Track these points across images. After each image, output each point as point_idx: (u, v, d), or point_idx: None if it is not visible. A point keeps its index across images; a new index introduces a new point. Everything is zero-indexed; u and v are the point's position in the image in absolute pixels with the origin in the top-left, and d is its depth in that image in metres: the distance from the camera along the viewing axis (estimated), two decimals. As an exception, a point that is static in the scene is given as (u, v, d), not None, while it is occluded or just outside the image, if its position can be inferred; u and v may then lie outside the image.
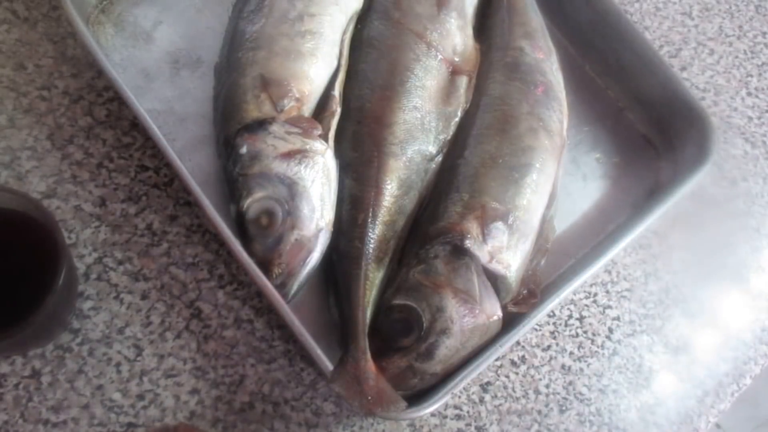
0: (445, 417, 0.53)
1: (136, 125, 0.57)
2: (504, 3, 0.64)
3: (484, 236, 0.51)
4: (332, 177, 0.53)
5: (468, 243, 0.51)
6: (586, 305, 0.59)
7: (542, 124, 0.56)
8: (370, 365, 0.46)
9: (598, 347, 0.58)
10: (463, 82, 0.59)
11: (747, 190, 0.67)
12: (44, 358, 0.49)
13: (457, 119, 0.58)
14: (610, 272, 0.61)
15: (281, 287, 0.50)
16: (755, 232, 0.65)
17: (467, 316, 0.48)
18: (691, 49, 0.73)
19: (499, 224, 0.52)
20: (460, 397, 0.54)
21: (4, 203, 0.45)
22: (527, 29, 0.62)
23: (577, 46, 0.68)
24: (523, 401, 0.55)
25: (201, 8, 0.62)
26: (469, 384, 0.54)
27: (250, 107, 0.54)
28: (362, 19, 0.61)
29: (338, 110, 0.56)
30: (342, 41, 0.59)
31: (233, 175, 0.52)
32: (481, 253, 0.51)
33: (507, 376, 0.56)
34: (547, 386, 0.56)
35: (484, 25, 0.64)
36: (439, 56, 0.58)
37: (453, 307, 0.48)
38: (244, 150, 0.52)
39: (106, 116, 0.57)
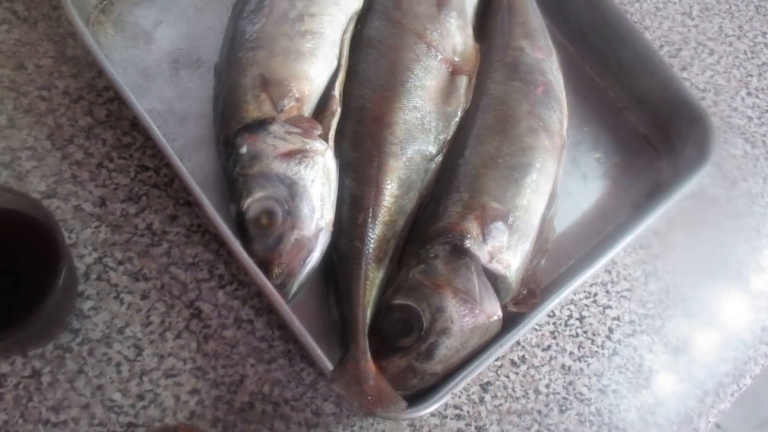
0: (445, 417, 0.53)
1: (136, 125, 0.57)
2: (504, 3, 0.64)
3: (484, 236, 0.51)
4: (332, 177, 0.53)
5: (468, 243, 0.51)
6: (586, 305, 0.59)
7: (542, 124, 0.56)
8: (370, 365, 0.46)
9: (598, 347, 0.58)
10: (463, 82, 0.59)
11: (747, 190, 0.67)
12: (44, 358, 0.49)
13: (457, 119, 0.58)
14: (610, 272, 0.61)
15: (281, 287, 0.50)
16: (755, 232, 0.65)
17: (467, 316, 0.48)
18: (691, 49, 0.73)
19: (499, 224, 0.52)
20: (460, 397, 0.54)
21: (4, 203, 0.45)
22: (527, 29, 0.62)
23: (577, 46, 0.68)
24: (523, 401, 0.55)
25: (201, 8, 0.62)
26: (469, 384, 0.54)
27: (250, 107, 0.54)
28: (362, 19, 0.61)
29: (338, 110, 0.56)
30: (342, 41, 0.59)
31: (233, 175, 0.52)
32: (481, 253, 0.51)
33: (507, 376, 0.56)
34: (547, 386, 0.56)
35: (484, 25, 0.64)
36: (439, 56, 0.58)
37: (453, 307, 0.48)
38: (244, 150, 0.52)
39: (106, 116, 0.57)
